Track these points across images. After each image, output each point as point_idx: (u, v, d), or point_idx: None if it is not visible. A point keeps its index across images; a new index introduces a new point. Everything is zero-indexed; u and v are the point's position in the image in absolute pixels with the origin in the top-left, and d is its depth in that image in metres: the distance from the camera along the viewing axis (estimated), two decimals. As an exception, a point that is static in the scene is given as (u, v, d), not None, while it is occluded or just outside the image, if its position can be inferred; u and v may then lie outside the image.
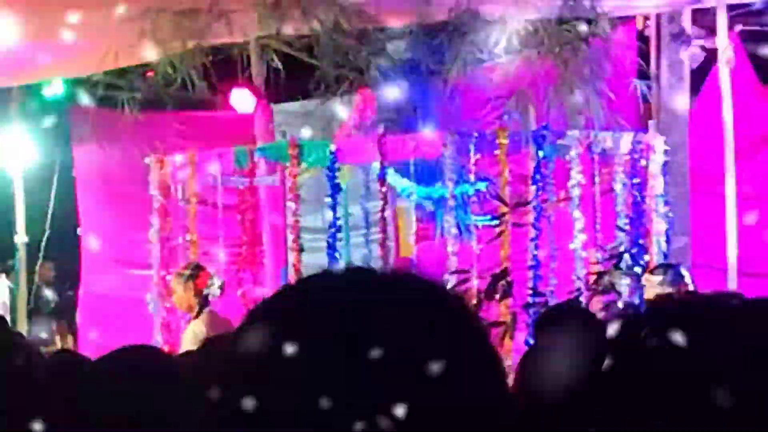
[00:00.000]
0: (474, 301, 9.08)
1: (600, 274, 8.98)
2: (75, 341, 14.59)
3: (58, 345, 14.56)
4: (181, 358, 4.42)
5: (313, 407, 1.41)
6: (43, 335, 14.58)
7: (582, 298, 8.77)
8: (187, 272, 9.59)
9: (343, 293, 1.53)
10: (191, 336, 9.51)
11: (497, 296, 8.81)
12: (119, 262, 13.76)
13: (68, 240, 14.45)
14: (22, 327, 13.66)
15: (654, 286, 8.90)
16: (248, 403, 1.44)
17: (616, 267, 8.85)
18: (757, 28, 12.27)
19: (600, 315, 8.40)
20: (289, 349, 1.44)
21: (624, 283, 9.00)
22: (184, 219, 11.06)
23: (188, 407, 1.94)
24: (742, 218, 10.92)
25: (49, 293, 15.39)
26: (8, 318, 13.19)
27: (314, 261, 10.34)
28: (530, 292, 9.43)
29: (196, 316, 9.47)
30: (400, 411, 1.40)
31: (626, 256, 9.07)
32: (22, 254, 14.27)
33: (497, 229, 9.71)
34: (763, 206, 12.18)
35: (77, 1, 9.91)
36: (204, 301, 9.48)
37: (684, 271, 8.48)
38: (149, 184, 11.15)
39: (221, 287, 9.61)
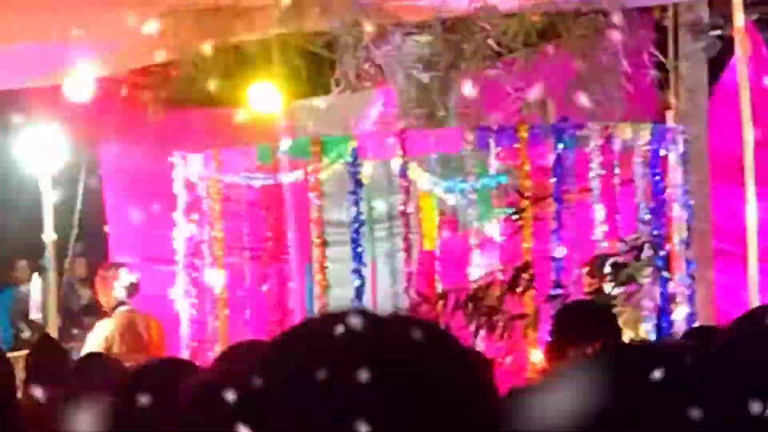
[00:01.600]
0: (498, 293, 9.09)
1: (619, 266, 8.98)
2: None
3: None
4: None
5: None
6: (75, 331, 14.61)
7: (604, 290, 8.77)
8: (102, 273, 9.63)
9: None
10: (95, 335, 9.52)
11: (520, 289, 8.80)
12: (146, 259, 13.78)
13: (96, 238, 14.49)
14: (54, 325, 13.68)
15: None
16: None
17: (637, 259, 8.85)
18: (774, 15, 12.23)
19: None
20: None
21: (644, 275, 9.00)
22: (209, 216, 11.09)
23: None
24: (762, 205, 10.87)
25: (81, 290, 15.44)
26: (41, 316, 13.36)
27: (339, 255, 10.38)
28: (553, 284, 9.42)
29: (109, 315, 9.47)
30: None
31: (645, 248, 9.06)
32: (51, 252, 14.28)
33: (519, 223, 9.72)
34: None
35: (101, 2, 9.90)
36: (119, 300, 9.48)
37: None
38: (174, 182, 11.21)
39: (129, 288, 9.58)
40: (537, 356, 8.65)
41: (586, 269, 9.18)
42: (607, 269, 8.95)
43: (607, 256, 9.22)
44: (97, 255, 14.60)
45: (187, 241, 11.16)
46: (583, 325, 4.80)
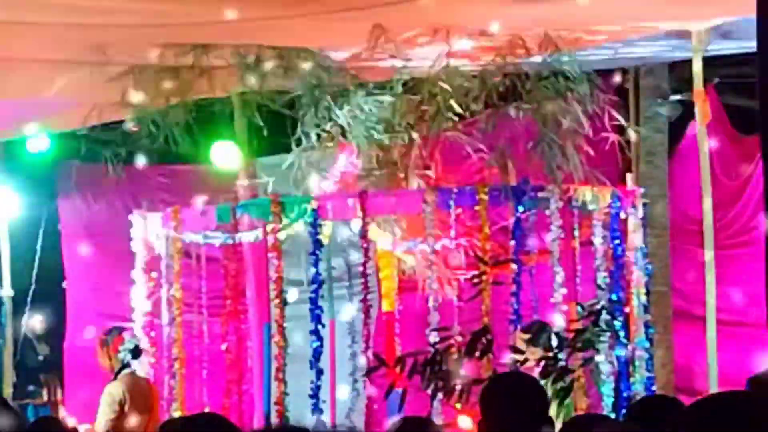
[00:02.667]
0: (455, 357, 9.00)
1: (578, 332, 8.92)
2: (63, 393, 14.49)
3: (44, 398, 14.46)
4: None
5: None
6: (31, 388, 14.47)
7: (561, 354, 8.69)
8: (103, 337, 9.74)
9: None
10: (108, 397, 9.63)
11: (478, 353, 8.71)
12: (103, 315, 13.68)
13: (54, 293, 14.37)
14: (9, 382, 13.55)
15: (522, 342, 9.01)
16: None
17: (595, 324, 8.80)
18: (733, 80, 12.28)
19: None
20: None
21: (602, 340, 8.95)
22: (168, 273, 11.01)
23: None
24: (721, 268, 10.86)
25: (37, 346, 15.29)
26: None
27: (299, 313, 10.31)
28: (510, 347, 9.34)
29: (114, 378, 9.59)
30: None
31: (604, 311, 9.01)
32: (8, 308, 14.14)
33: (478, 285, 9.67)
34: (741, 255, 12.16)
35: (63, 58, 9.86)
36: (122, 363, 9.60)
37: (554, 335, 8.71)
38: (133, 239, 11.16)
39: (134, 351, 9.69)
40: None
41: (526, 336, 9.12)
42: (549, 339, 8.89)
43: (545, 326, 9.18)
44: (56, 310, 14.49)
45: (145, 299, 11.08)
46: (509, 398, 4.75)
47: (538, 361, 8.64)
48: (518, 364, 8.54)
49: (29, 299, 14.72)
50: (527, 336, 9.06)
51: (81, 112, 11.10)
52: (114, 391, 9.57)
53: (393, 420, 5.93)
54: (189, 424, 3.43)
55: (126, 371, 9.64)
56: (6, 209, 13.93)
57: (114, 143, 12.12)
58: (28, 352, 15.05)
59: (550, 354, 8.68)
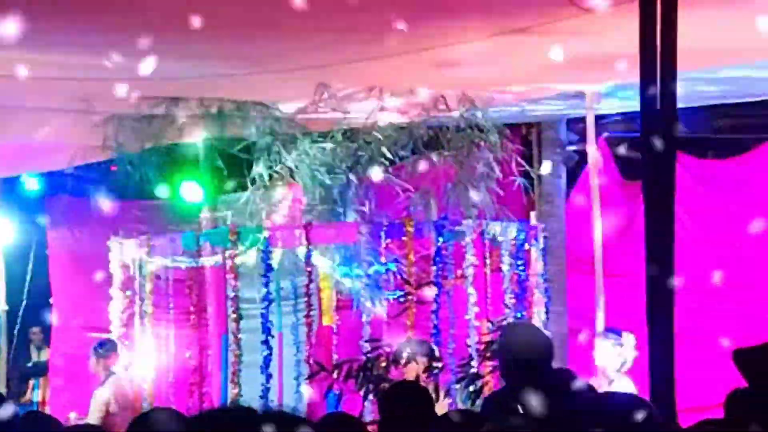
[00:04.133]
0: (384, 364, 9.02)
1: (489, 343, 8.97)
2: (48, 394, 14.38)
3: (28, 397, 14.41)
4: None
5: None
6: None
7: (473, 362, 8.73)
8: (102, 351, 9.85)
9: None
10: (98, 400, 9.69)
11: (403, 361, 8.73)
12: (84, 327, 13.58)
13: (42, 308, 14.26)
14: (2, 383, 13.45)
15: (608, 348, 9.11)
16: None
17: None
18: (620, 134, 12.40)
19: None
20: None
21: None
22: (140, 291, 10.96)
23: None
24: (608, 292, 10.93)
25: (34, 353, 15.30)
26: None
27: (252, 326, 10.27)
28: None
29: (103, 383, 9.66)
30: None
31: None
32: (3, 320, 14.02)
33: (404, 304, 9.69)
34: (625, 282, 12.23)
35: (51, 106, 9.81)
36: (110, 371, 9.71)
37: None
38: (110, 262, 11.10)
39: (127, 367, 9.82)
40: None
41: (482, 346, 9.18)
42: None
43: (425, 342, 9.25)
44: (44, 323, 14.38)
45: (120, 313, 11.03)
46: (400, 404, 4.77)
47: (425, 370, 8.67)
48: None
49: (21, 313, 14.61)
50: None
51: (68, 154, 11.06)
52: (102, 394, 9.60)
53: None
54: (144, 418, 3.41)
55: (113, 377, 9.69)
56: (2, 236, 13.83)
57: (96, 181, 12.07)
58: (19, 359, 14.94)
59: (437, 364, 8.73)
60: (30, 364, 15.05)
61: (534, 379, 4.76)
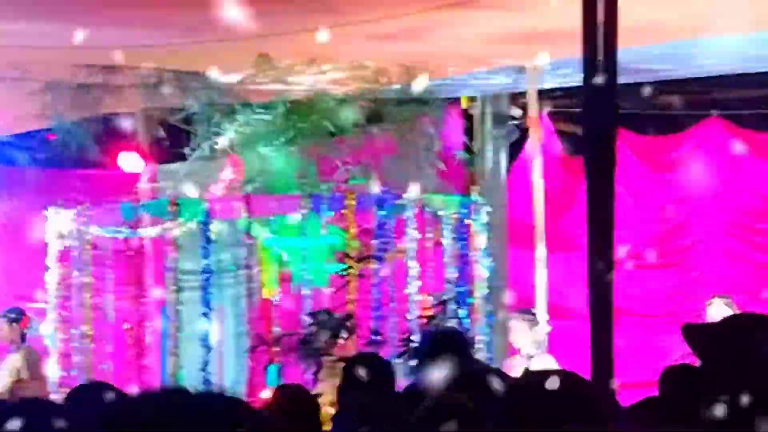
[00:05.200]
0: (326, 338, 8.98)
1: (429, 318, 8.96)
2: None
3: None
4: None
5: None
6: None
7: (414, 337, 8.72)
8: (12, 315, 9.83)
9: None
10: (9, 366, 9.68)
11: (344, 334, 8.70)
12: (21, 298, 13.42)
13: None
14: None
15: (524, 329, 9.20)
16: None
17: (443, 312, 8.87)
18: (563, 109, 12.40)
19: None
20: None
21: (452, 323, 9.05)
22: (78, 262, 10.83)
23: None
24: (550, 267, 10.96)
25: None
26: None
27: (192, 297, 10.19)
28: (371, 331, 9.35)
29: (16, 350, 9.66)
30: None
31: (451, 302, 9.08)
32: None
33: (345, 277, 9.65)
34: (567, 257, 12.27)
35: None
36: (22, 338, 9.70)
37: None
38: (46, 232, 10.95)
39: (38, 329, 9.80)
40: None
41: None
42: None
43: (330, 313, 9.26)
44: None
45: (57, 284, 10.89)
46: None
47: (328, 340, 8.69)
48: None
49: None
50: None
51: (5, 122, 10.90)
52: (14, 360, 9.58)
53: (270, 389, 5.93)
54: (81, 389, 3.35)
55: (24, 345, 9.67)
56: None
57: (33, 149, 11.89)
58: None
59: (342, 336, 8.75)
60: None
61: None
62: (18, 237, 13.24)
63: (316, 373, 8.66)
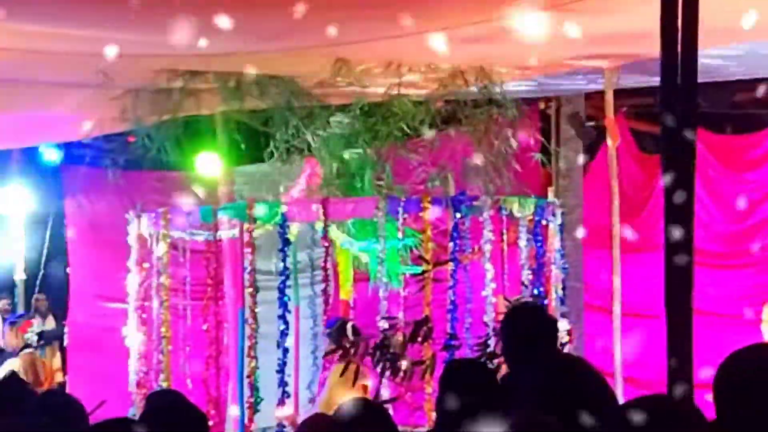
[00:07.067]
0: (401, 341, 8.97)
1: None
2: (64, 362, 14.35)
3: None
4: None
5: None
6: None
7: (490, 341, 8.68)
8: (13, 321, 9.95)
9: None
10: (6, 369, 9.78)
11: (420, 339, 8.68)
12: (100, 297, 13.60)
13: (59, 278, 14.26)
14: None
15: None
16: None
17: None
18: (639, 108, 12.31)
19: None
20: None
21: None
22: (158, 264, 10.93)
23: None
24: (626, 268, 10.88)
25: (40, 322, 15.24)
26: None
27: (268, 298, 10.25)
28: (448, 334, 9.34)
29: (16, 355, 9.77)
30: None
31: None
32: (20, 289, 14.04)
33: (420, 283, 9.63)
34: (643, 257, 12.19)
35: (72, 81, 9.77)
36: (25, 344, 9.78)
37: None
38: (128, 234, 11.07)
39: (39, 335, 9.86)
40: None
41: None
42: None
43: (344, 322, 9.23)
44: (61, 293, 14.37)
45: (138, 285, 11.00)
46: (463, 381, 4.65)
47: (335, 350, 8.67)
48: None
49: (38, 282, 14.60)
50: None
51: (87, 126, 11.03)
52: (11, 365, 9.69)
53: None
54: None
55: (27, 350, 9.77)
56: (21, 206, 13.83)
57: (114, 152, 12.02)
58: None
59: (348, 346, 8.73)
60: (40, 331, 15.05)
61: (533, 361, 4.67)
62: (101, 238, 13.43)
63: (393, 377, 8.65)
